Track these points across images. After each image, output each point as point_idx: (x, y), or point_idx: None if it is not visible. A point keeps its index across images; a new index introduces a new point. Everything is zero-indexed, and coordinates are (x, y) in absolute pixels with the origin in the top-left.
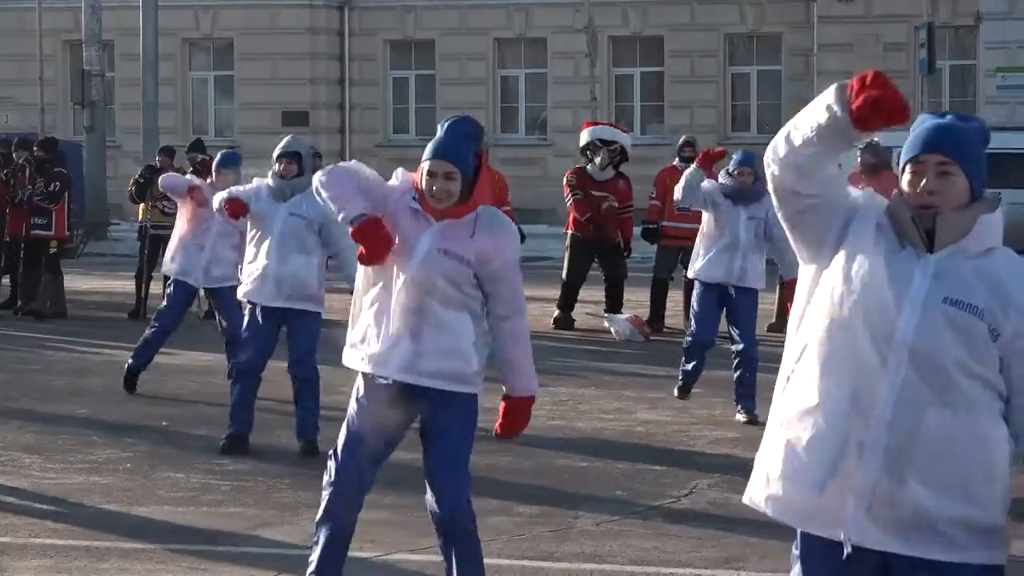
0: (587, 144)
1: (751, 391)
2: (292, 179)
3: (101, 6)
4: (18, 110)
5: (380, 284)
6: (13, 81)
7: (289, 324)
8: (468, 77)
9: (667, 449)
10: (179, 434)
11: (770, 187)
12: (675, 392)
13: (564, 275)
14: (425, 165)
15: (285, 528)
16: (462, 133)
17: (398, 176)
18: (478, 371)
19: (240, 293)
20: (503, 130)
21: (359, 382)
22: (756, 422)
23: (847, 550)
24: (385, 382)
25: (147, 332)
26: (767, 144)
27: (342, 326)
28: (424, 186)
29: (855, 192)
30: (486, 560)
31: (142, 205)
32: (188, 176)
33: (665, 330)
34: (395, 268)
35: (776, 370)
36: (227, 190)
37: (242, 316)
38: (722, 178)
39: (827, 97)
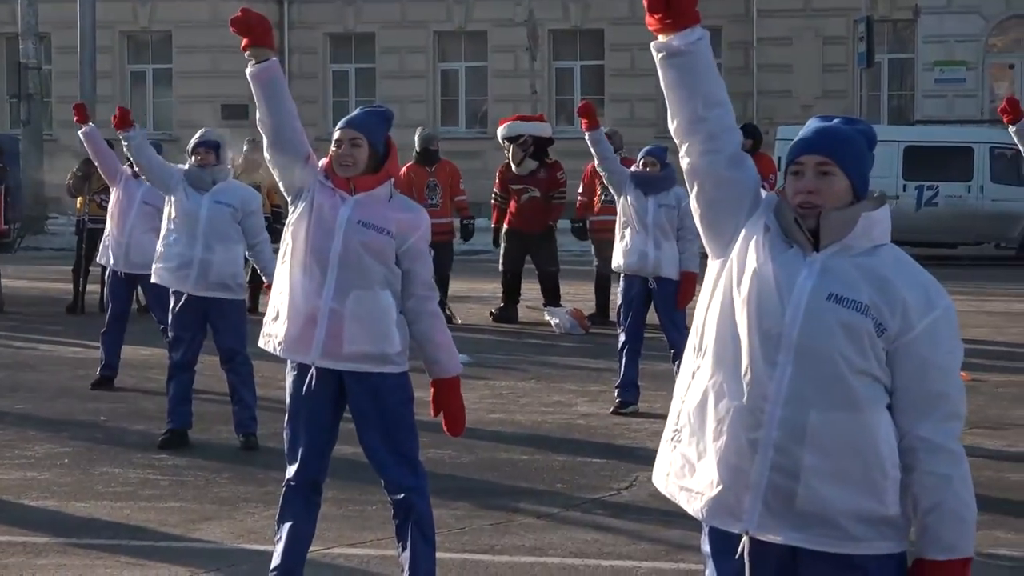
0: (502, 143)
1: None
2: (212, 168)
3: None
4: None
5: (299, 262)
6: None
7: (213, 316)
8: (408, 71)
9: (607, 442)
10: (117, 429)
11: (690, 170)
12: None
13: (500, 265)
14: (334, 136)
15: (225, 523)
16: (374, 111)
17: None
18: (401, 351)
19: (158, 278)
20: (444, 123)
21: (288, 368)
22: None
23: (745, 543)
24: (307, 368)
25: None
26: None
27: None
28: (331, 156)
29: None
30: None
31: (79, 199)
32: (124, 167)
33: (610, 322)
34: (313, 246)
35: None
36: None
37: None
38: (632, 169)
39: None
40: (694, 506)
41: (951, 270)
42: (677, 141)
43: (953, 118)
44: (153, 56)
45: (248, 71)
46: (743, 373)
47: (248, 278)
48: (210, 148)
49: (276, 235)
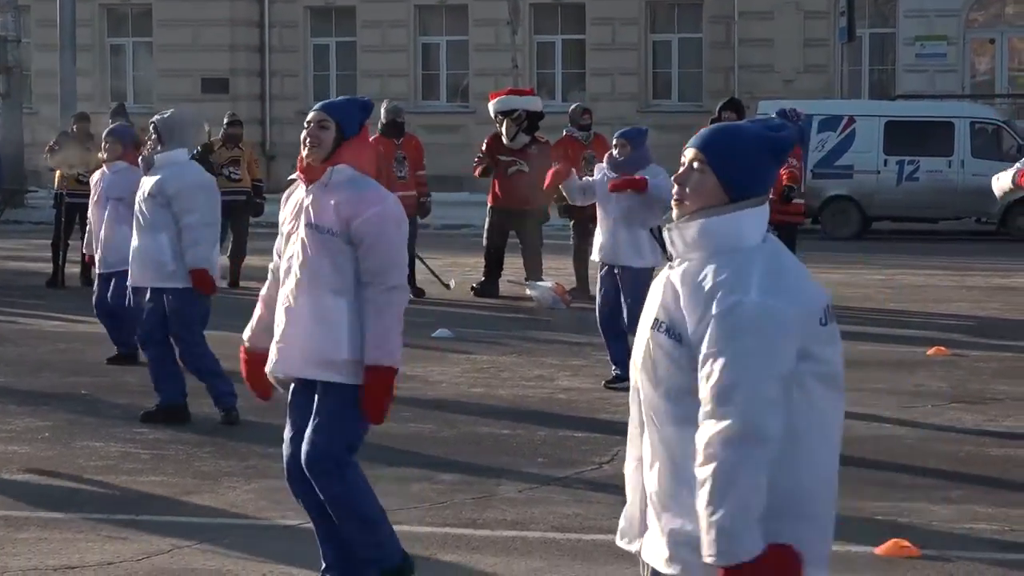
0: (495, 117)
1: None
2: (153, 152)
3: None
4: None
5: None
6: None
7: (166, 303)
8: (389, 44)
9: (589, 416)
10: (98, 403)
11: None
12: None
13: (484, 240)
14: (307, 117)
15: (206, 496)
16: (349, 98)
17: None
18: (349, 360)
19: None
20: (424, 97)
21: None
22: None
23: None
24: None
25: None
26: (688, 111)
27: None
28: (301, 138)
29: None
30: (408, 527)
31: (58, 172)
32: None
33: (591, 296)
34: (287, 255)
35: None
36: None
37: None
38: (607, 157)
39: None
40: None
41: (932, 245)
42: None
43: (934, 93)
44: (133, 29)
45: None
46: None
47: (229, 252)
48: (153, 131)
49: (258, 209)
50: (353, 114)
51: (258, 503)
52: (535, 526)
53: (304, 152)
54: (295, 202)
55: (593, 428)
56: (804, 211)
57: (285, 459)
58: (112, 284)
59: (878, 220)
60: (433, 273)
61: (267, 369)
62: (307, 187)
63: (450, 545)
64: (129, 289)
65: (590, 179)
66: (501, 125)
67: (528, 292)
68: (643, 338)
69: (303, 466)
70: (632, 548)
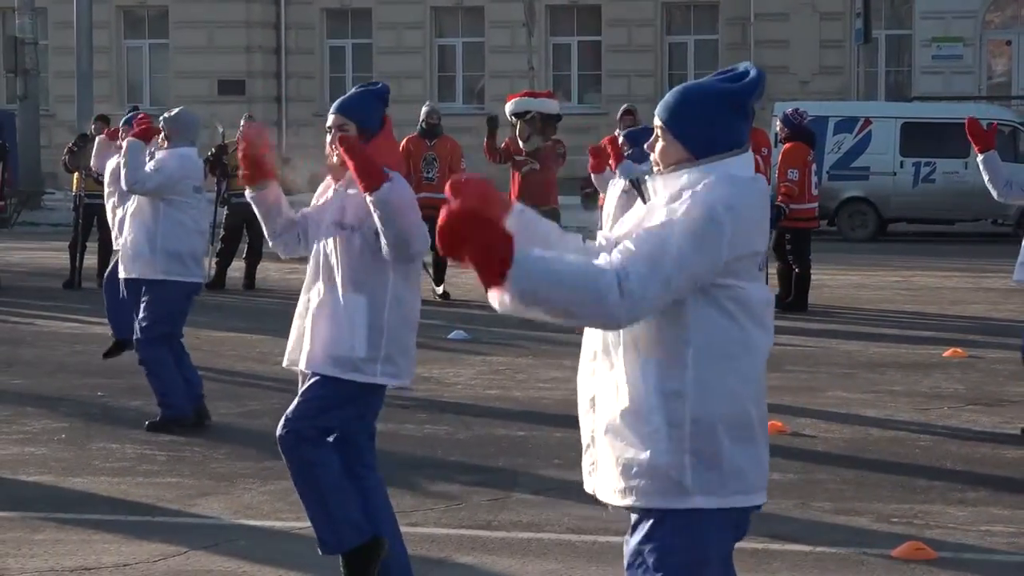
0: (510, 119)
1: None
2: (154, 150)
3: None
4: None
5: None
6: None
7: (143, 292)
8: (405, 46)
9: None
10: (114, 405)
11: None
12: None
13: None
14: (327, 121)
15: (221, 498)
16: (366, 91)
17: None
18: (365, 358)
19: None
20: (440, 99)
21: None
22: None
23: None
24: (295, 369)
25: None
26: None
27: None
28: (327, 145)
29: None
30: (424, 529)
31: (76, 174)
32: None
33: None
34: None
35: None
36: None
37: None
38: None
39: None
40: None
41: (948, 246)
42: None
43: (950, 94)
44: (150, 31)
45: (248, 195)
46: None
47: (244, 254)
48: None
49: None
50: (371, 109)
51: (273, 505)
52: (551, 528)
53: (329, 158)
54: (323, 197)
55: None
56: (816, 215)
57: None
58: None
59: (894, 222)
60: (429, 275)
61: (284, 363)
62: (334, 186)
63: (466, 547)
64: (122, 283)
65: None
66: (516, 127)
67: None
68: None
69: (280, 437)
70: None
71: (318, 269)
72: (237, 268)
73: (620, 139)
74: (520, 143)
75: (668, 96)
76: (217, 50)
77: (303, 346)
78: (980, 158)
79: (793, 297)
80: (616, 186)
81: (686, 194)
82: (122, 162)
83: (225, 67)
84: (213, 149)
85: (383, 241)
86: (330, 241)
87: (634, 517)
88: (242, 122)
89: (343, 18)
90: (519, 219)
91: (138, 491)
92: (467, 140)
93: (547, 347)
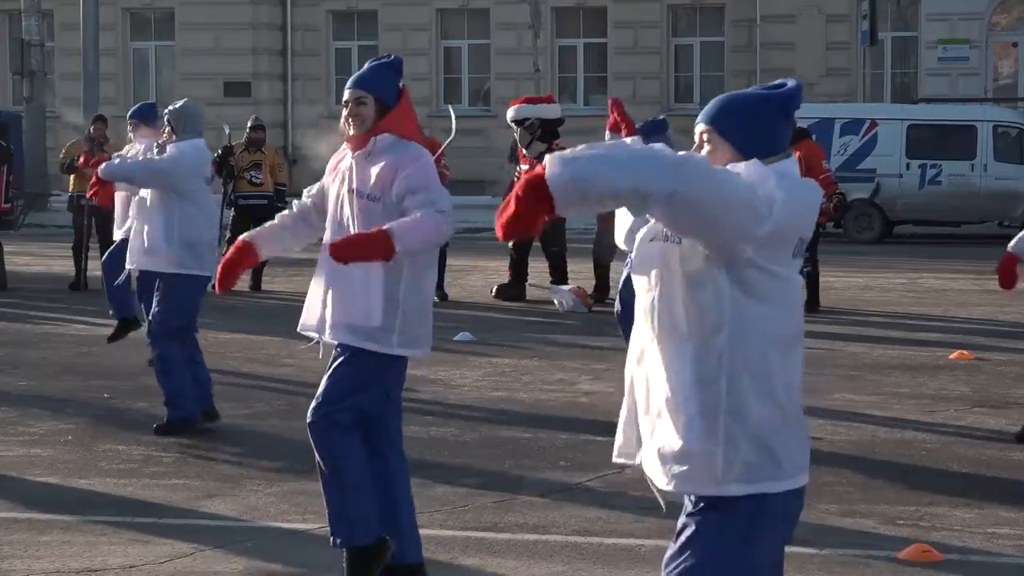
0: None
1: None
2: (163, 143)
3: None
4: None
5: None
6: None
7: (157, 288)
8: (411, 48)
9: (610, 419)
10: (121, 406)
11: None
12: None
13: (510, 244)
14: (344, 96)
15: (228, 499)
16: (377, 63)
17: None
18: (382, 327)
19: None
20: (446, 101)
21: None
22: None
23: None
24: (315, 339)
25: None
26: None
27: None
28: (342, 120)
29: None
30: (430, 531)
31: (72, 176)
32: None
33: (608, 300)
34: (329, 222)
35: None
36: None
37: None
38: None
39: None
40: None
41: (954, 248)
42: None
43: (956, 96)
44: (156, 33)
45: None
46: None
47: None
48: (138, 121)
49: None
50: (388, 81)
51: (280, 506)
52: (557, 530)
53: (348, 131)
54: (338, 166)
55: (615, 432)
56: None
57: None
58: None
59: (900, 224)
60: (440, 283)
61: (298, 327)
62: (352, 155)
63: (471, 549)
64: (133, 277)
65: None
66: (516, 134)
67: (550, 295)
68: (656, 260)
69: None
70: (634, 461)
71: (336, 236)
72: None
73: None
74: (523, 151)
75: (716, 104)
76: (223, 52)
77: (320, 313)
78: None
79: (807, 297)
80: None
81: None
82: (127, 175)
83: (231, 69)
84: (219, 151)
85: None
86: (347, 207)
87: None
88: (248, 123)
89: (349, 20)
90: None
91: (145, 492)
92: (473, 142)
93: (552, 349)
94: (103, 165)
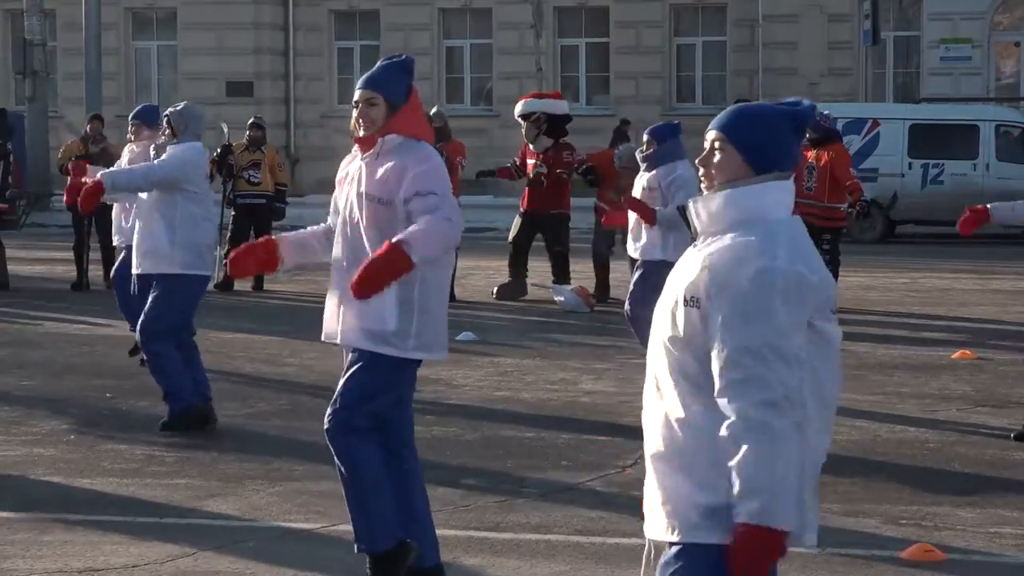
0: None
1: None
2: (161, 144)
3: None
4: None
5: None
6: None
7: (151, 288)
8: (413, 47)
9: (612, 420)
10: (123, 406)
11: None
12: None
13: (509, 237)
14: (354, 96)
15: (230, 499)
16: (391, 63)
17: None
18: (396, 330)
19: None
20: (449, 101)
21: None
22: None
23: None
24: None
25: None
26: (712, 115)
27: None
28: (352, 120)
29: None
30: None
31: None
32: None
33: (610, 300)
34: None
35: None
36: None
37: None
38: (637, 154)
39: None
40: None
41: (956, 248)
42: None
43: (959, 96)
44: (158, 33)
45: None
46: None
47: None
48: (140, 123)
49: (280, 213)
50: (398, 82)
51: (282, 506)
52: (559, 529)
53: (357, 133)
54: (348, 170)
55: (616, 432)
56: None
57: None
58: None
59: (902, 223)
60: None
61: (322, 337)
62: (362, 157)
63: (473, 548)
64: (134, 279)
65: None
66: (523, 129)
67: (552, 295)
68: (669, 315)
69: (326, 423)
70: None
71: (346, 242)
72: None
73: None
74: (530, 145)
75: (732, 113)
76: (225, 52)
77: (338, 321)
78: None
79: None
80: (641, 178)
81: (748, 270)
82: (131, 184)
83: (233, 69)
84: (218, 149)
85: None
86: (356, 211)
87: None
88: (248, 124)
89: (351, 20)
90: None
91: (147, 492)
92: (476, 141)
93: (555, 349)
94: (106, 176)
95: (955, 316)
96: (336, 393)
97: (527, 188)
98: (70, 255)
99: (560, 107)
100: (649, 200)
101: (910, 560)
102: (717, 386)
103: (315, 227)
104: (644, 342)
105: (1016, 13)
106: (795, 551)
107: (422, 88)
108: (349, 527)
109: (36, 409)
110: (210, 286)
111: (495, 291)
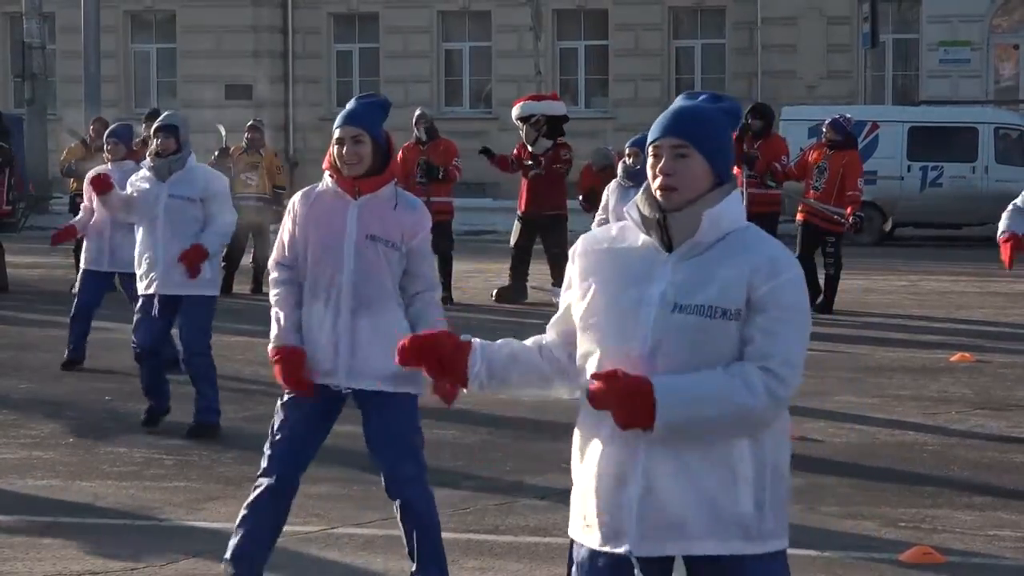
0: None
1: None
2: (170, 156)
3: None
4: None
5: (310, 286)
6: None
7: (181, 309)
8: (412, 50)
9: None
10: (122, 409)
11: None
12: None
13: (511, 241)
14: (335, 135)
15: (230, 502)
16: (373, 103)
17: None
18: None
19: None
20: (448, 103)
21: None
22: None
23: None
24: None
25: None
26: None
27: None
28: (335, 156)
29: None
30: None
31: (73, 179)
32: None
33: None
34: (328, 267)
35: None
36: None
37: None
38: (620, 167)
39: None
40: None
41: (955, 251)
42: None
43: (958, 98)
44: (157, 35)
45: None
46: None
47: (252, 258)
48: (169, 133)
49: (277, 217)
50: (380, 121)
51: None
52: (558, 532)
53: (345, 170)
54: (328, 213)
55: None
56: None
57: (280, 475)
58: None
59: (901, 226)
60: (447, 285)
61: (319, 379)
62: (354, 199)
63: (473, 551)
64: (156, 301)
65: None
66: (522, 131)
67: (552, 299)
68: (652, 326)
69: (399, 481)
70: (622, 549)
71: (339, 283)
72: (243, 270)
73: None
74: (528, 147)
75: (680, 113)
76: (224, 54)
77: (346, 363)
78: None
79: (823, 299)
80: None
81: (772, 275)
82: (223, 243)
83: (232, 71)
84: (216, 153)
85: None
86: (355, 257)
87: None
88: (247, 127)
89: (350, 22)
90: (483, 352)
91: (146, 495)
92: (474, 144)
93: None
94: (209, 247)
95: (954, 318)
96: (393, 446)
97: (524, 191)
98: (70, 258)
99: (558, 108)
100: (622, 194)
101: (909, 563)
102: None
103: (284, 297)
104: None
105: (1015, 15)
106: (793, 553)
107: (421, 91)
108: (348, 530)
109: (35, 412)
110: None
111: (494, 294)
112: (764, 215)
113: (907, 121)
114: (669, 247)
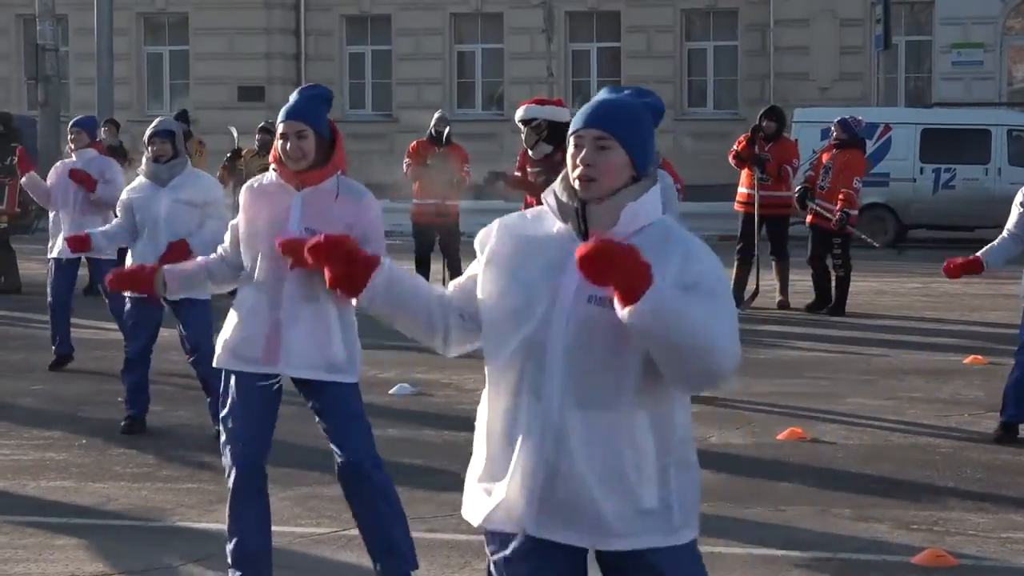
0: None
1: None
2: (168, 161)
3: None
4: None
5: (252, 275)
6: None
7: (182, 313)
8: (424, 52)
9: None
10: None
11: None
12: None
13: None
14: (278, 129)
15: None
16: (312, 95)
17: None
18: (350, 360)
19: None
20: (460, 105)
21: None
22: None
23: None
24: (265, 382)
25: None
26: (724, 119)
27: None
28: (279, 151)
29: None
30: (444, 535)
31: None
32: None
33: None
34: (269, 258)
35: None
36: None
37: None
38: None
39: None
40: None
41: (968, 253)
42: None
43: (970, 100)
44: (170, 38)
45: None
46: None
47: None
48: (165, 139)
49: None
50: (323, 112)
51: (293, 510)
52: None
53: (289, 165)
54: (272, 205)
55: None
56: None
57: (243, 462)
58: (92, 268)
59: (914, 228)
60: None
61: (276, 370)
62: (297, 190)
63: (473, 551)
64: (128, 303)
65: None
66: (523, 134)
67: None
68: (567, 315)
69: (350, 468)
70: (514, 528)
71: (279, 274)
72: None
73: None
74: (529, 152)
75: (604, 105)
76: (237, 56)
77: (283, 352)
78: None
79: (836, 301)
80: None
81: (692, 266)
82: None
83: (245, 73)
84: (228, 155)
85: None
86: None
87: None
88: (257, 130)
89: (363, 24)
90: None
91: (158, 497)
92: (486, 146)
93: None
94: (196, 246)
95: (967, 321)
96: (342, 437)
97: (526, 196)
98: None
99: (562, 114)
100: None
101: (922, 566)
102: None
103: (209, 259)
104: None
105: None
106: (806, 556)
107: (433, 92)
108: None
109: (47, 413)
110: None
111: None
112: (775, 218)
113: (920, 123)
114: (585, 236)
